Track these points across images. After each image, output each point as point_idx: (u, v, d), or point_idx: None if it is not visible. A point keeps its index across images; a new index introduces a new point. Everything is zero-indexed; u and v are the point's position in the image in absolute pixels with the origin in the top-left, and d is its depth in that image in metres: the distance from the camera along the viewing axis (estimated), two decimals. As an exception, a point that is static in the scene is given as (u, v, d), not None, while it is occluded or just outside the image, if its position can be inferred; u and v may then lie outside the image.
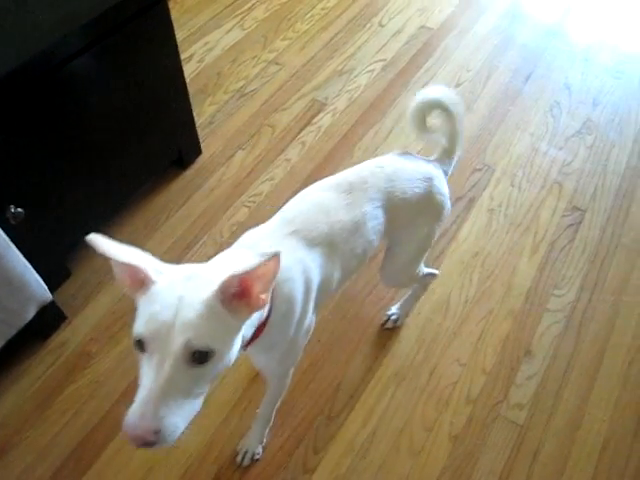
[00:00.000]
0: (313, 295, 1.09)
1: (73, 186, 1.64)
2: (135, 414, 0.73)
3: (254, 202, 1.97)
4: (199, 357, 0.75)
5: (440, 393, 1.58)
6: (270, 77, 2.35)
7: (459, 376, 1.61)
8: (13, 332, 1.50)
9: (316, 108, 2.23)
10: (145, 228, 1.90)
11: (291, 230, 1.08)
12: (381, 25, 2.59)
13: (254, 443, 1.46)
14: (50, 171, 1.54)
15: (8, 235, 1.37)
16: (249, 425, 1.47)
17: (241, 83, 2.33)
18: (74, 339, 1.68)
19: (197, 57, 2.42)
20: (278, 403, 1.38)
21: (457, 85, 2.34)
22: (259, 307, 0.82)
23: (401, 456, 1.49)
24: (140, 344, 0.77)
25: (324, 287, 1.12)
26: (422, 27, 2.59)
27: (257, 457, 1.47)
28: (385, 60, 2.43)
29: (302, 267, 1.05)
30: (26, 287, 1.46)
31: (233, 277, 0.76)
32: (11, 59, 1.29)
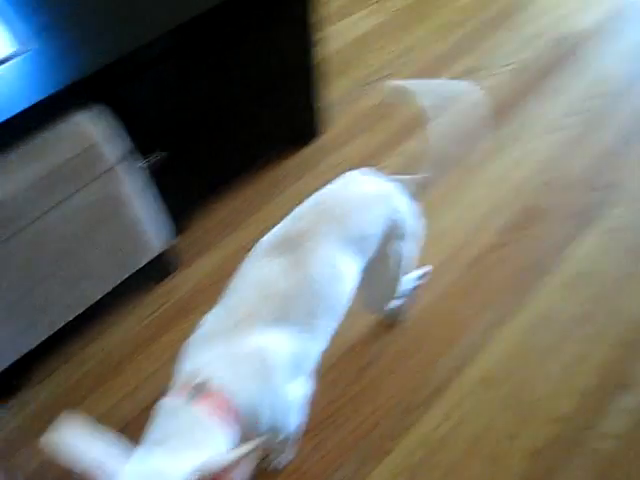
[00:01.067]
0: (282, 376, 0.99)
1: (208, 143, 1.76)
2: None
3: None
4: None
5: (527, 406, 1.54)
6: (400, 68, 2.36)
7: (550, 392, 1.56)
8: (126, 274, 1.64)
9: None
10: (257, 198, 1.99)
11: (235, 323, 0.98)
12: (519, 27, 2.51)
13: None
14: (193, 125, 1.67)
15: (147, 177, 1.49)
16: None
17: (372, 70, 2.36)
18: (182, 287, 1.80)
19: (333, 39, 2.46)
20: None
21: (592, 97, 2.23)
22: None
23: (475, 460, 1.47)
24: None
25: (300, 358, 1.03)
26: (563, 33, 2.48)
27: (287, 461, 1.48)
28: (517, 63, 2.36)
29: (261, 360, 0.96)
30: (149, 232, 1.58)
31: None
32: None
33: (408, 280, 1.48)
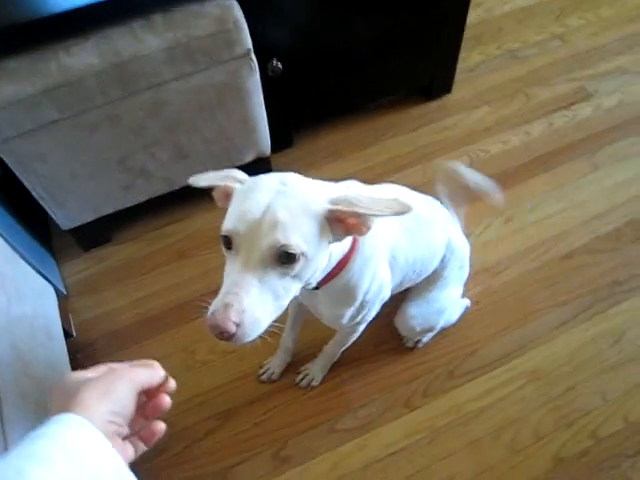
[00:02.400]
0: (385, 257, 1.09)
1: (331, 66, 1.77)
2: (219, 304, 0.74)
3: (477, 156, 1.96)
4: (286, 258, 0.75)
5: (567, 412, 1.49)
6: (548, 50, 2.25)
7: (596, 408, 1.50)
8: (228, 166, 1.69)
9: (580, 96, 2.11)
10: (369, 135, 2.01)
11: None
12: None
13: (315, 371, 1.52)
14: (318, 44, 1.68)
15: (262, 83, 1.53)
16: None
17: (517, 45, 2.28)
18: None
19: (487, 6, 2.42)
20: (344, 347, 1.41)
21: None
22: (360, 233, 0.82)
23: (498, 445, 1.46)
24: (228, 241, 0.78)
25: (390, 266, 1.12)
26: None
27: (315, 384, 1.53)
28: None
29: (391, 232, 1.08)
30: (255, 133, 1.64)
31: (350, 205, 0.78)
32: None
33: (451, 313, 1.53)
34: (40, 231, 1.79)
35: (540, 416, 1.49)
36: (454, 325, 1.59)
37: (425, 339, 1.58)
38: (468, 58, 2.21)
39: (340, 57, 1.76)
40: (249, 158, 1.72)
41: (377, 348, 1.60)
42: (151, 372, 0.66)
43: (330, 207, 0.79)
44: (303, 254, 0.76)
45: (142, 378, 0.64)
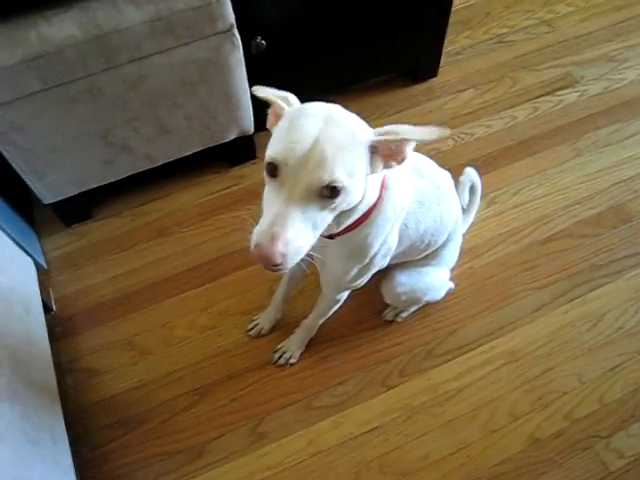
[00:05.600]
0: (398, 224, 1.11)
1: (315, 47, 1.76)
2: (265, 236, 0.77)
3: (462, 139, 1.96)
4: (329, 191, 0.78)
5: (544, 393, 1.51)
6: (536, 35, 2.25)
7: (572, 390, 1.51)
8: (211, 143, 1.70)
9: (566, 82, 2.11)
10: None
11: (416, 173, 1.13)
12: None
13: (293, 348, 1.53)
14: (303, 23, 1.67)
15: (245, 62, 1.52)
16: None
17: (505, 30, 2.27)
18: (252, 177, 1.86)
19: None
20: (324, 319, 1.43)
21: None
22: (398, 162, 0.86)
23: (473, 425, 1.47)
24: (273, 168, 0.80)
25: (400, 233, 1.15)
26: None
27: (292, 361, 1.54)
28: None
29: (409, 198, 1.10)
30: (238, 110, 1.63)
31: (395, 133, 0.82)
32: None
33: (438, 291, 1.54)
34: (22, 205, 1.78)
35: (517, 397, 1.51)
36: (435, 305, 1.60)
37: (405, 314, 1.59)
38: (455, 42, 2.21)
39: (325, 38, 1.75)
40: (232, 136, 1.71)
41: (356, 326, 1.61)
42: None
43: (376, 137, 0.82)
44: (345, 188, 0.79)
45: None
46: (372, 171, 0.85)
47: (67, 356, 1.58)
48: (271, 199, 0.80)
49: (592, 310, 1.63)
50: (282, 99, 0.90)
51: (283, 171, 0.79)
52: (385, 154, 0.85)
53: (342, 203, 0.83)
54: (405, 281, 1.40)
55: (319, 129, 0.79)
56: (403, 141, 0.82)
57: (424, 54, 2.00)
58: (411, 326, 1.61)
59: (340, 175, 0.78)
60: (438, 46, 1.99)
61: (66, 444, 1.34)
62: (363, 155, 0.82)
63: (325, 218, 0.83)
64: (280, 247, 0.76)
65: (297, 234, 0.78)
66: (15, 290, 1.42)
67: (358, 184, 0.84)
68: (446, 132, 0.80)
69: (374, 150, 0.83)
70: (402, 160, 0.85)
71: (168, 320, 1.63)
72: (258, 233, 0.78)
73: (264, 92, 0.92)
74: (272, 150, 0.81)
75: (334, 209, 0.83)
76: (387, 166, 0.86)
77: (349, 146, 0.80)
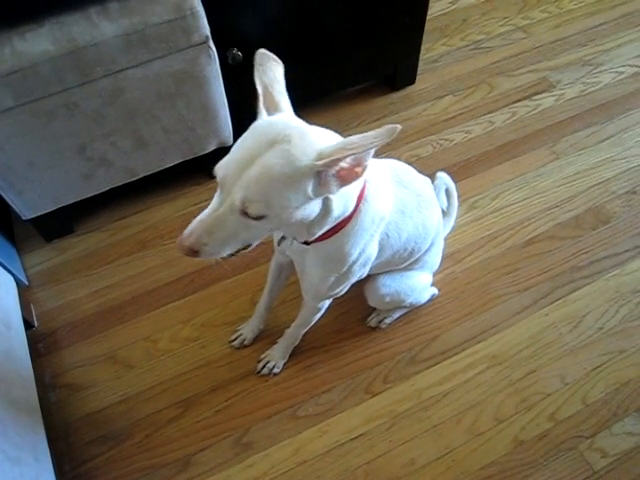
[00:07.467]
0: (378, 234, 1.11)
1: (292, 57, 1.73)
2: (188, 230, 0.84)
3: (441, 145, 1.98)
4: (253, 215, 0.82)
5: (528, 396, 1.52)
6: (512, 42, 2.28)
7: (555, 391, 1.52)
8: (191, 155, 1.70)
9: (543, 86, 2.14)
10: (334, 126, 1.89)
11: (396, 182, 1.14)
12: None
13: (276, 357, 1.53)
14: (279, 33, 1.67)
15: (222, 73, 1.53)
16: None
17: (481, 37, 2.30)
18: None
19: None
20: (307, 328, 1.43)
21: None
22: (355, 177, 0.83)
23: (458, 429, 1.48)
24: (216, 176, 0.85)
25: (380, 242, 1.14)
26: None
27: (276, 371, 1.53)
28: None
29: (390, 208, 1.10)
30: (216, 121, 1.63)
31: (343, 150, 0.79)
32: None
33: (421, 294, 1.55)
34: (1, 221, 1.77)
35: (500, 400, 1.51)
36: (417, 310, 1.61)
37: (388, 320, 1.59)
38: (433, 49, 2.23)
39: (301, 47, 1.76)
40: (211, 147, 1.71)
41: (339, 334, 1.61)
42: None
43: (321, 163, 0.80)
44: (267, 216, 0.82)
45: None
46: (326, 192, 0.85)
47: (50, 372, 1.57)
48: (212, 202, 0.85)
49: (573, 311, 1.65)
50: (264, 102, 0.93)
51: (219, 181, 0.84)
52: (340, 172, 0.83)
53: (273, 224, 0.86)
54: (389, 283, 1.41)
55: (259, 154, 0.80)
56: (354, 155, 0.79)
57: (401, 62, 2.02)
58: (394, 332, 1.61)
59: (254, 207, 0.80)
60: (415, 54, 2.01)
61: (49, 462, 1.33)
62: (303, 184, 0.81)
63: (255, 232, 0.88)
64: (193, 245, 0.84)
65: (214, 242, 0.85)
66: (-6, 307, 1.41)
67: (295, 209, 0.84)
68: (394, 129, 0.77)
69: (323, 173, 0.82)
70: (363, 170, 0.83)
71: (151, 333, 1.62)
72: (189, 225, 0.85)
73: (260, 85, 0.95)
74: (220, 162, 0.85)
75: (266, 227, 0.87)
76: (348, 180, 0.84)
77: (283, 179, 0.80)
